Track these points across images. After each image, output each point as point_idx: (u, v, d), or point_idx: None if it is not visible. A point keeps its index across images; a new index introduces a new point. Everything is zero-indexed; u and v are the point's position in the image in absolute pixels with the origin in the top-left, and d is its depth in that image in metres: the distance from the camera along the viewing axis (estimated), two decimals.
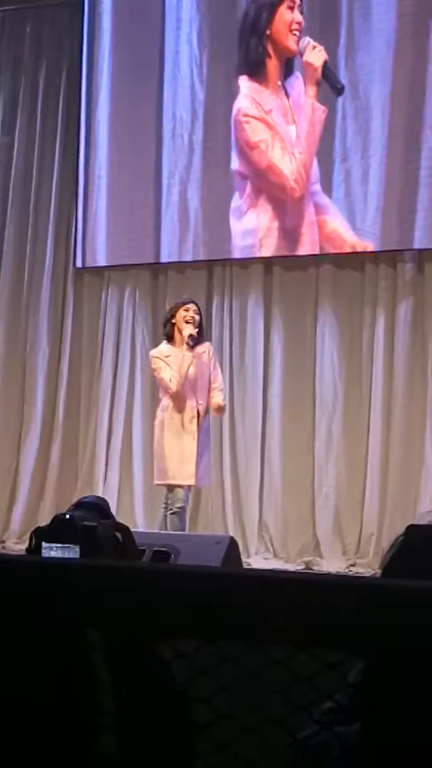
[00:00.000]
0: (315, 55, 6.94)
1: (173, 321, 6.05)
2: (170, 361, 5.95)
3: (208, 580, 0.92)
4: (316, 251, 7.00)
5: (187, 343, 5.96)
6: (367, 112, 6.84)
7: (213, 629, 0.87)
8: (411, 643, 0.83)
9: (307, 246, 7.02)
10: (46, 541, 2.32)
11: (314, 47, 6.94)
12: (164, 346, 6.06)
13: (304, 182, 7.00)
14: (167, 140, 7.42)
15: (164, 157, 7.44)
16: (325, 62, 6.92)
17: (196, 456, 5.93)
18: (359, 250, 6.87)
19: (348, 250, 6.91)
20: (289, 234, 7.05)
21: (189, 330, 5.97)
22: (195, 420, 5.94)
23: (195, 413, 5.94)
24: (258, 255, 7.18)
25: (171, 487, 6.00)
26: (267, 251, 7.14)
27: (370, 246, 6.84)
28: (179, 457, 5.94)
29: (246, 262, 7.30)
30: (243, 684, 0.95)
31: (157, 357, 6.03)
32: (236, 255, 7.25)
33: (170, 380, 5.93)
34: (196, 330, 6.00)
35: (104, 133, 7.68)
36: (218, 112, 7.30)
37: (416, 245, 6.73)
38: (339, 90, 6.88)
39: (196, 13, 7.40)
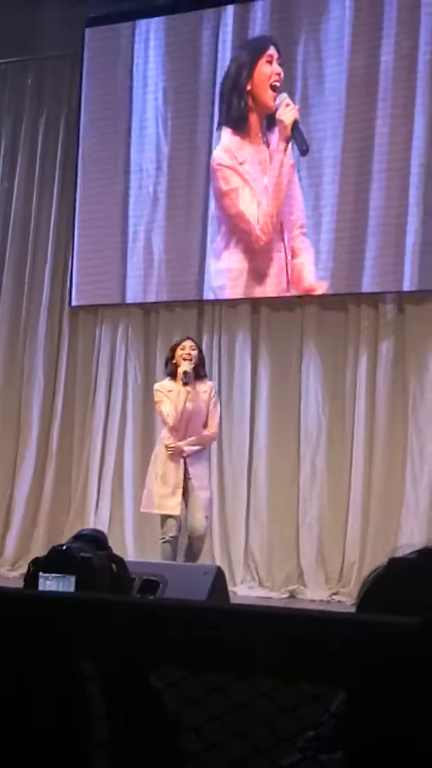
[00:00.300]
0: (287, 113, 7.29)
1: (173, 359, 6.28)
2: (171, 396, 6.19)
3: (197, 613, 0.99)
4: (282, 293, 7.33)
5: (182, 380, 6.20)
6: (320, 168, 7.21)
7: (201, 661, 0.92)
8: (391, 676, 0.88)
9: (273, 288, 7.34)
10: (43, 571, 2.48)
11: (288, 105, 7.30)
12: (167, 382, 6.29)
13: (270, 231, 7.32)
14: (134, 190, 7.83)
15: (131, 206, 7.83)
16: (295, 121, 7.26)
17: (182, 487, 6.15)
18: (314, 293, 7.22)
19: (302, 292, 7.26)
20: (258, 276, 7.37)
21: (184, 367, 6.19)
22: (181, 455, 6.19)
23: (183, 448, 6.19)
24: (224, 296, 7.52)
25: (164, 517, 6.21)
26: (236, 292, 7.46)
27: (323, 289, 7.16)
28: (167, 487, 6.16)
29: (234, 302, 7.57)
30: (231, 714, 1.02)
31: (159, 391, 6.28)
32: (209, 295, 7.57)
33: (168, 414, 6.18)
34: (193, 366, 6.20)
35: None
36: (181, 164, 7.72)
37: (365, 289, 7.04)
38: (304, 151, 7.25)
39: (161, 72, 7.83)
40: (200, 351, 6.37)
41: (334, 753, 1.09)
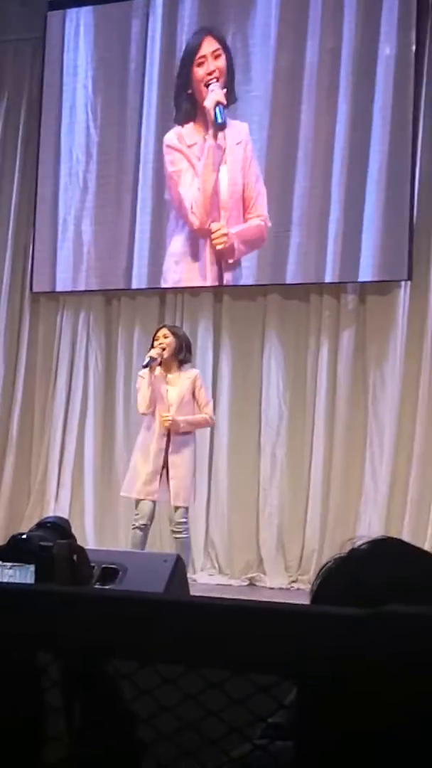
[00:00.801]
0: (210, 98, 7.45)
1: (152, 347, 6.28)
2: (144, 384, 6.21)
3: (149, 606, 0.99)
4: (215, 283, 7.41)
5: (142, 364, 6.25)
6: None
7: (152, 653, 0.93)
8: (339, 667, 0.89)
9: (207, 277, 7.43)
10: (2, 560, 2.47)
11: (211, 90, 7.46)
12: (146, 370, 6.27)
13: (202, 216, 7.38)
14: (64, 178, 7.86)
15: (60, 193, 7.87)
16: (218, 102, 7.38)
17: (160, 473, 6.12)
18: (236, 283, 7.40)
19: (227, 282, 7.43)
20: (190, 263, 7.46)
21: (150, 353, 6.21)
22: (165, 439, 6.14)
23: (165, 432, 6.15)
24: (159, 285, 7.61)
25: (137, 502, 6.20)
26: (175, 278, 7.54)
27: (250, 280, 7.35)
28: (145, 472, 6.15)
29: (196, 290, 7.59)
30: (182, 706, 1.03)
31: (141, 376, 6.28)
32: (139, 284, 7.68)
33: (139, 403, 6.24)
34: (163, 353, 6.17)
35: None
36: (111, 152, 7.78)
37: (289, 279, 7.20)
38: (219, 125, 7.39)
39: (91, 60, 7.90)
40: (179, 338, 6.27)
41: (285, 744, 1.10)
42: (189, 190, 7.48)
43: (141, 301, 7.79)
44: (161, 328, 6.42)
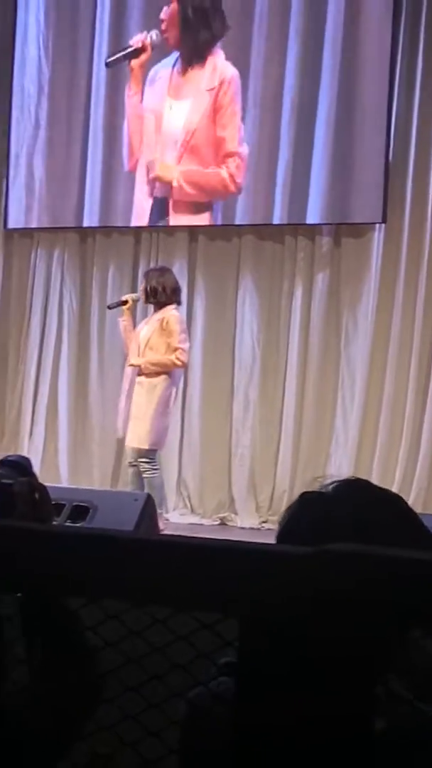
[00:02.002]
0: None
1: None
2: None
3: (96, 542, 0.99)
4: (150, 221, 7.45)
5: (109, 306, 6.47)
6: None
7: (100, 589, 0.94)
8: (281, 604, 0.91)
9: (137, 217, 7.46)
10: None
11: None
12: None
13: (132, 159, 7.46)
14: (15, 112, 7.81)
15: (12, 129, 7.80)
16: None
17: (129, 414, 6.16)
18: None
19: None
20: (146, 202, 7.47)
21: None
22: (129, 379, 6.21)
23: (130, 372, 6.23)
24: (111, 224, 7.62)
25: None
26: (133, 216, 7.54)
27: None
28: (121, 412, 6.23)
29: (171, 230, 7.54)
30: (126, 641, 1.05)
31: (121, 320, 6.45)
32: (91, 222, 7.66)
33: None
34: (128, 295, 6.29)
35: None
36: (63, 88, 7.70)
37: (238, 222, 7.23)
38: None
39: None
40: (150, 280, 6.27)
41: (228, 680, 1.12)
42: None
43: (116, 239, 7.73)
44: (148, 271, 6.52)
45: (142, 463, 6.17)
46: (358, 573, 0.92)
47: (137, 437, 6.18)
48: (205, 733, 1.14)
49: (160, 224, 7.44)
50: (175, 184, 7.29)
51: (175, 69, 7.42)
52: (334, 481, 1.38)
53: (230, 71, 7.24)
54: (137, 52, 7.39)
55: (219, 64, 7.30)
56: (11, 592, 1.37)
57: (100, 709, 1.30)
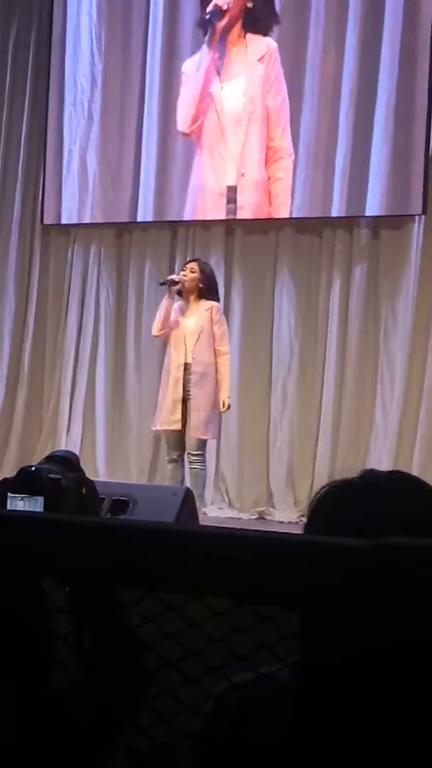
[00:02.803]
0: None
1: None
2: (174, 310, 6.22)
3: (154, 534, 0.99)
4: (222, 217, 7.37)
5: (163, 282, 6.40)
6: None
7: (157, 581, 0.94)
8: (341, 597, 0.90)
9: (213, 211, 7.39)
10: (12, 492, 2.49)
11: None
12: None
13: (183, 122, 7.42)
14: (68, 107, 7.79)
15: (65, 123, 7.78)
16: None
17: (181, 405, 6.08)
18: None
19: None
20: (202, 197, 7.42)
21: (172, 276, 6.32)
22: (182, 369, 6.11)
23: (182, 363, 6.12)
24: (166, 218, 7.59)
25: (166, 435, 6.24)
26: (185, 210, 7.49)
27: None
28: (164, 404, 6.16)
29: (208, 224, 7.53)
30: (185, 633, 1.04)
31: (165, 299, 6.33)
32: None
33: (154, 322, 6.29)
34: (183, 277, 6.20)
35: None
36: (116, 81, 7.67)
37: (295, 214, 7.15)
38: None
39: None
40: (204, 273, 6.21)
41: (287, 672, 1.10)
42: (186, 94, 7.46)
43: (152, 234, 7.73)
44: (192, 261, 6.42)
45: (195, 456, 6.15)
46: (420, 565, 0.91)
47: (199, 429, 6.10)
48: (263, 723, 1.13)
49: (229, 216, 7.34)
50: (242, 171, 7.21)
51: (215, 54, 7.35)
52: (371, 470, 1.34)
53: (273, 42, 7.20)
54: (223, 13, 7.22)
55: (260, 38, 7.26)
56: (63, 586, 1.36)
57: (155, 700, 1.29)
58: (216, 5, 7.25)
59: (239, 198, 7.26)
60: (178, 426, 6.10)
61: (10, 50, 8.14)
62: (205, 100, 7.39)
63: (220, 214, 7.36)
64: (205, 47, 7.39)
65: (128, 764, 1.40)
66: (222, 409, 6.12)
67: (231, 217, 7.35)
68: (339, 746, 0.99)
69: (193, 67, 7.44)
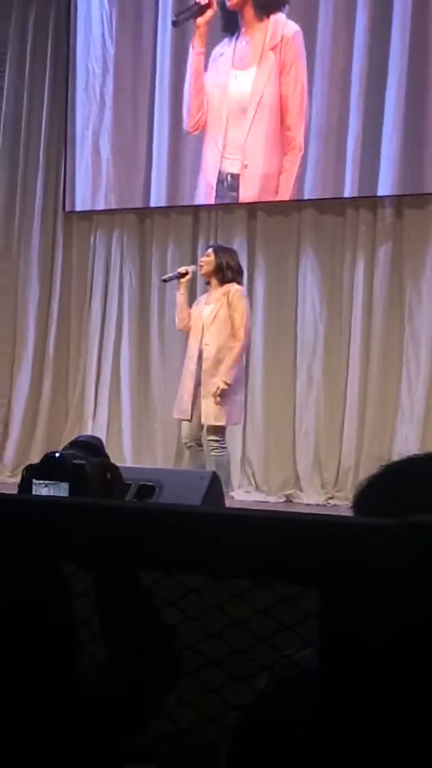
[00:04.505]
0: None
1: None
2: (199, 300, 6.19)
3: (171, 517, 0.99)
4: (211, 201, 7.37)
5: (165, 279, 6.43)
6: None
7: (175, 563, 0.94)
8: (368, 576, 0.90)
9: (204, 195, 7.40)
10: (37, 478, 2.49)
11: None
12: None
13: (190, 118, 7.42)
14: (80, 93, 7.77)
15: (78, 109, 7.77)
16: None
17: (193, 393, 6.02)
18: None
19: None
20: (211, 180, 7.39)
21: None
22: (195, 358, 6.03)
23: (196, 352, 6.01)
24: (177, 203, 7.56)
25: (179, 422, 6.21)
26: (197, 194, 7.48)
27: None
28: (180, 393, 6.13)
29: (230, 207, 7.50)
30: (206, 616, 1.04)
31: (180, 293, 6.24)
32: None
33: (176, 318, 6.25)
34: (189, 268, 6.19)
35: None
36: (128, 66, 7.65)
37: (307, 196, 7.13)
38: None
39: None
40: (219, 257, 6.03)
41: (309, 653, 1.09)
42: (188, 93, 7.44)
43: (174, 218, 7.72)
44: (209, 247, 6.37)
45: (212, 442, 6.12)
46: None
47: (209, 416, 6.05)
48: (288, 705, 1.12)
49: (227, 201, 7.37)
50: (245, 162, 7.21)
51: (238, 43, 7.33)
52: (412, 456, 1.34)
53: (292, 28, 7.15)
54: (203, 9, 7.30)
55: (280, 21, 7.20)
56: (88, 570, 1.36)
57: (179, 684, 1.29)
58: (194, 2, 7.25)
59: (241, 188, 7.25)
60: (187, 416, 6.08)
61: (30, 37, 8.13)
62: (199, 94, 7.37)
63: (209, 199, 7.39)
64: (190, 45, 7.39)
65: (154, 748, 1.40)
66: (214, 392, 5.88)
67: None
68: (361, 730, 0.98)
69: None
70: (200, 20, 7.35)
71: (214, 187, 7.34)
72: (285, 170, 7.15)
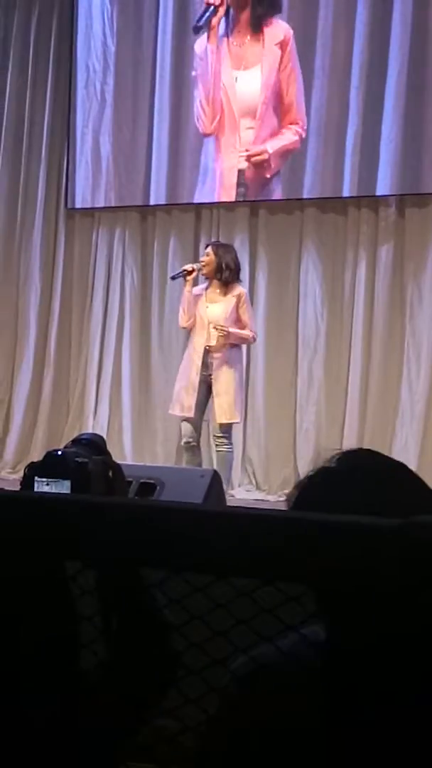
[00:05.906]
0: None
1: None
2: (197, 299, 6.15)
3: (178, 515, 1.00)
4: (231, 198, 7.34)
5: (174, 276, 6.44)
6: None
7: (182, 562, 0.94)
8: (369, 575, 0.91)
9: (228, 193, 7.35)
10: (39, 476, 2.49)
11: None
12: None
13: (207, 121, 7.35)
14: (80, 90, 7.76)
15: (78, 106, 7.75)
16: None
17: (197, 390, 6.04)
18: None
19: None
20: (217, 178, 7.37)
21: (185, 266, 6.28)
22: (200, 356, 6.05)
23: (202, 350, 6.05)
24: (178, 201, 7.53)
25: (181, 419, 6.19)
26: (199, 192, 7.46)
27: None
28: (182, 390, 6.13)
29: (232, 205, 7.50)
30: (212, 614, 1.03)
31: (187, 291, 6.23)
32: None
33: (180, 315, 6.24)
34: (195, 266, 6.18)
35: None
36: (128, 64, 7.63)
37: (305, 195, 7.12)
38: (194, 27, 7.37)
39: None
40: (219, 256, 6.10)
41: (312, 649, 1.10)
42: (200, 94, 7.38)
43: (176, 216, 7.71)
44: (207, 245, 6.36)
45: (221, 439, 6.12)
46: None
47: (224, 413, 6.05)
48: (286, 701, 1.12)
49: (236, 200, 7.34)
50: (271, 162, 7.18)
51: (231, 40, 7.32)
52: (340, 453, 1.35)
53: (289, 30, 7.16)
54: (216, 10, 7.23)
55: (278, 23, 7.21)
56: (90, 567, 1.36)
57: (182, 683, 1.29)
58: (207, 3, 7.21)
59: (249, 184, 7.23)
60: (190, 413, 6.07)
61: (32, 36, 8.12)
62: (218, 95, 7.34)
63: (230, 199, 7.35)
64: (207, 46, 7.34)
65: (154, 745, 1.40)
66: (214, 329, 5.98)
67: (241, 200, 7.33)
68: (364, 724, 0.99)
69: (202, 55, 7.39)
70: (214, 20, 7.31)
71: (235, 189, 7.28)
72: (284, 169, 7.14)
